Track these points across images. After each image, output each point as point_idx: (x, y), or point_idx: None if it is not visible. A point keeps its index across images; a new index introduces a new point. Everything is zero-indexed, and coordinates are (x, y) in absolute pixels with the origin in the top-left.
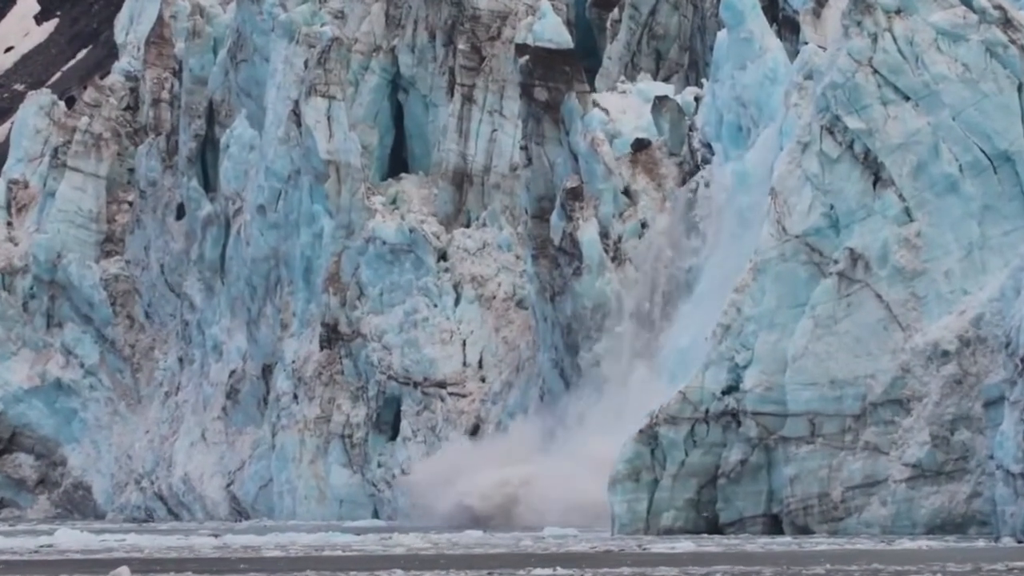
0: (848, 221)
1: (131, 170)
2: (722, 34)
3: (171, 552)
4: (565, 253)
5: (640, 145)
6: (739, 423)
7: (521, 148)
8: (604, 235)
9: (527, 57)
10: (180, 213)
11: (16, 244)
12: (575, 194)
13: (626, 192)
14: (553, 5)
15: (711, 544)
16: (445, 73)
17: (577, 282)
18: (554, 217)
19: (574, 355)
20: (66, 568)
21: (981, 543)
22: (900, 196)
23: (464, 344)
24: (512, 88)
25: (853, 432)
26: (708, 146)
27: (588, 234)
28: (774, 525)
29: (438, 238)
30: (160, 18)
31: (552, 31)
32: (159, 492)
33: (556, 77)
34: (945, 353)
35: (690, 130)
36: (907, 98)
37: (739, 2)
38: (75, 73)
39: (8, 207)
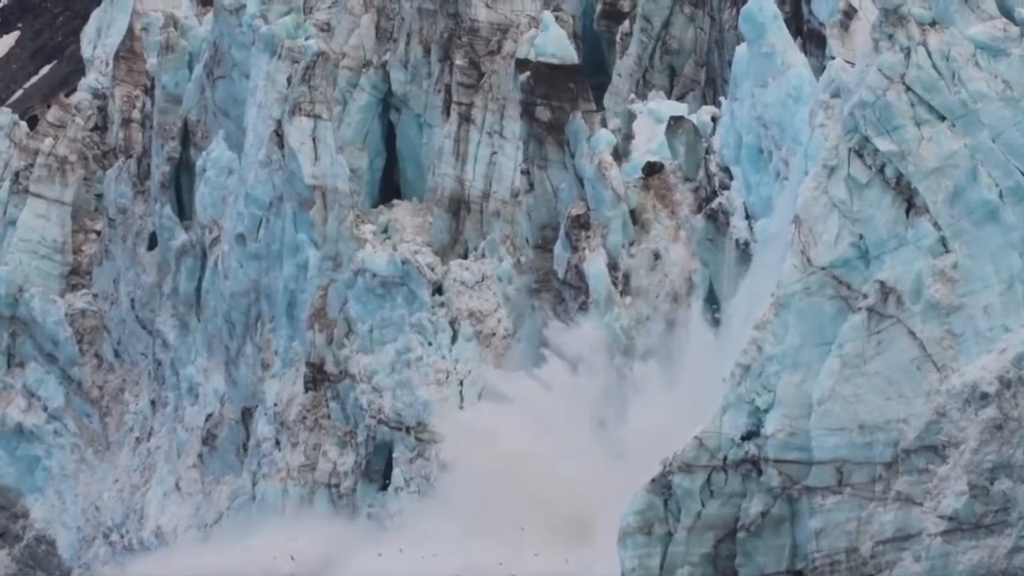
0: (879, 252)
1: (99, 196)
2: (741, 48)
3: None
4: (570, 287)
5: (652, 169)
6: (760, 471)
7: (522, 172)
8: (613, 267)
9: (528, 73)
10: (152, 243)
11: None
12: (581, 222)
13: (636, 220)
14: (558, 17)
15: None
16: (441, 91)
17: (584, 318)
18: (558, 247)
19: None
20: None
21: None
22: (935, 225)
23: (461, 385)
24: (513, 107)
25: (884, 481)
26: (726, 170)
27: (595, 266)
28: None
29: (433, 270)
30: (130, 31)
31: (555, 45)
32: (129, 546)
33: (560, 95)
34: (984, 395)
35: (707, 153)
36: (943, 118)
37: (759, 14)
38: (38, 90)
39: None
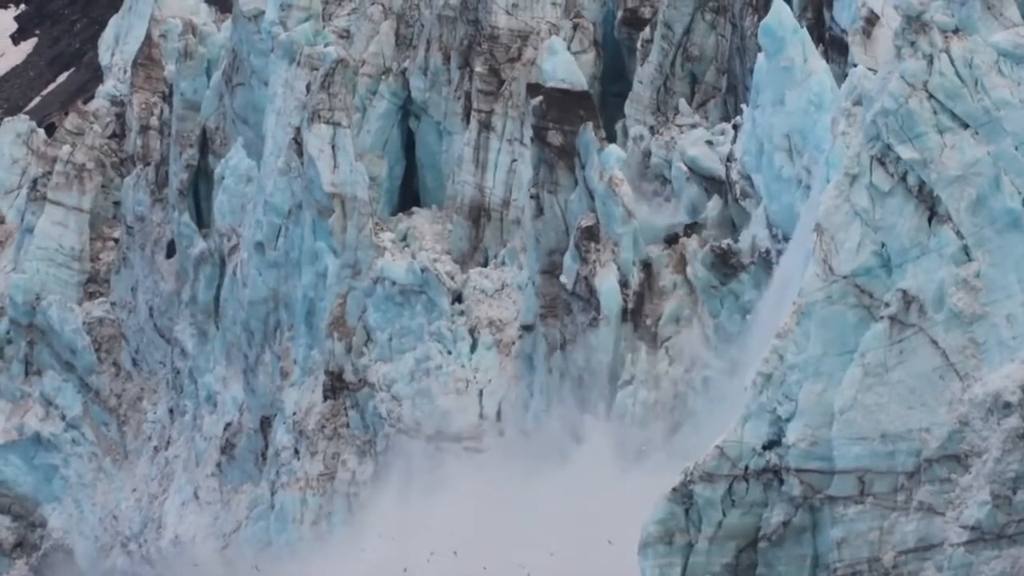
0: (901, 260)
1: (117, 203)
2: (763, 56)
3: None
4: (579, 298)
5: (674, 238)
6: (781, 481)
7: (531, 197)
8: (624, 284)
9: (541, 98)
10: (170, 251)
11: None
12: (591, 234)
13: (652, 286)
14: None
15: None
16: (460, 98)
17: (593, 334)
18: (567, 258)
19: (585, 410)
20: None
21: None
22: (958, 233)
23: (481, 394)
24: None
25: (906, 491)
26: (748, 178)
27: (607, 283)
28: None
29: (452, 278)
30: (148, 38)
31: (564, 70)
32: (147, 556)
33: (572, 119)
34: (1007, 405)
35: (728, 160)
36: (966, 125)
37: (779, 27)
38: (56, 98)
39: None
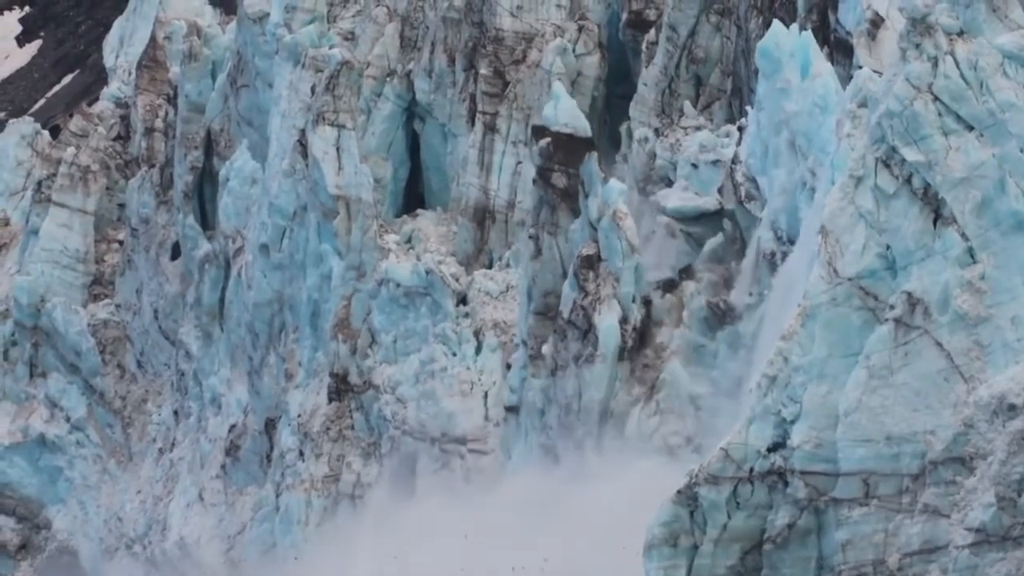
0: (905, 262)
1: (121, 206)
2: (761, 75)
3: None
4: (575, 327)
5: (670, 285)
6: (786, 483)
7: (529, 237)
8: (623, 320)
9: (548, 140)
10: (175, 253)
11: None
12: (590, 263)
13: (646, 333)
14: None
15: None
16: (465, 100)
17: (588, 370)
18: (566, 287)
19: (569, 438)
20: None
21: None
22: (963, 235)
23: (486, 396)
24: (538, 116)
25: (911, 493)
26: (753, 180)
27: (607, 321)
28: None
29: (457, 280)
30: (153, 40)
31: (567, 115)
32: (152, 558)
33: (576, 163)
34: (1012, 407)
35: (733, 163)
36: (970, 128)
37: (775, 49)
38: (60, 100)
39: None
